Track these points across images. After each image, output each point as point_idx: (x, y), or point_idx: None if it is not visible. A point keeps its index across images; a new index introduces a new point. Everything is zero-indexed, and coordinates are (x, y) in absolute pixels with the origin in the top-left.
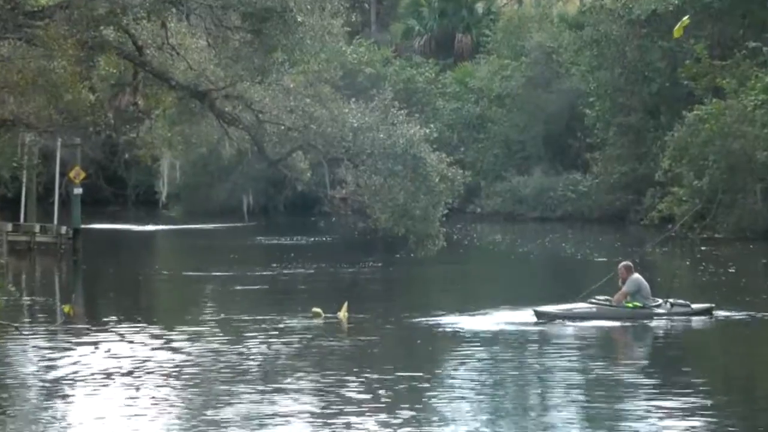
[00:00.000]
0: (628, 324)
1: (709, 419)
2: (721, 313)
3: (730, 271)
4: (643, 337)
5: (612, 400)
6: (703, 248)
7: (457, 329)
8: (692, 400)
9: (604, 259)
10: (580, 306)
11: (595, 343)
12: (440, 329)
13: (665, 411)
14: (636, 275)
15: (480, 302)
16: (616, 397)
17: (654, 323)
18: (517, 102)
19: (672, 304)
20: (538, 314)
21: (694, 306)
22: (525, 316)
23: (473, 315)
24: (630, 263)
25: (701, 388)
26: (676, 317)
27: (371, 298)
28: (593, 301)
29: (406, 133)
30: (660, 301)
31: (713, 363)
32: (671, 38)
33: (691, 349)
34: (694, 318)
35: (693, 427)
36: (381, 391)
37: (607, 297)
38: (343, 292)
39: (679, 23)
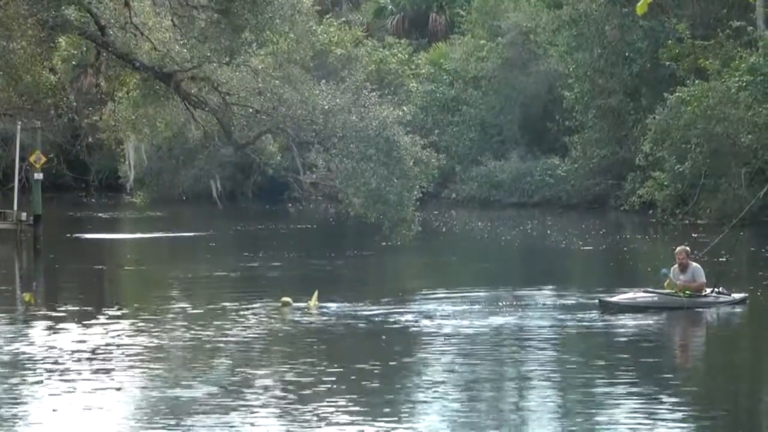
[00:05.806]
0: (682, 312)
1: None
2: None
3: (722, 259)
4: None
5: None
6: (693, 235)
7: (432, 321)
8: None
9: (590, 248)
10: (642, 296)
11: (659, 333)
12: (414, 320)
13: None
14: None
15: (461, 290)
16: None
17: (706, 312)
18: (493, 84)
19: (718, 293)
20: (603, 304)
21: (735, 295)
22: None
23: (453, 305)
24: (688, 248)
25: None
26: (722, 306)
27: (344, 286)
28: (650, 290)
29: (379, 116)
30: (709, 290)
31: None
32: (652, 18)
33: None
34: (737, 307)
35: None
36: (348, 382)
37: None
38: (315, 281)
39: None
